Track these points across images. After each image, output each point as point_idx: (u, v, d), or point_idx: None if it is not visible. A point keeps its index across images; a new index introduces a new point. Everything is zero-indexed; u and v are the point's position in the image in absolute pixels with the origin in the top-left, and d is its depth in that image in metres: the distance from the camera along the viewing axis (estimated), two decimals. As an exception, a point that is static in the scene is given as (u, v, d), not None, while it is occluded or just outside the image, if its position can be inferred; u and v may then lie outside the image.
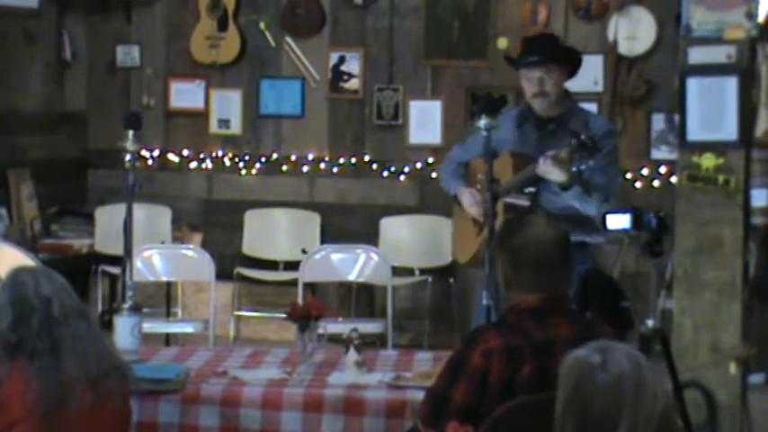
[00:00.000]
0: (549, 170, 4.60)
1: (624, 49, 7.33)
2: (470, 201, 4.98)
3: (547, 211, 4.77)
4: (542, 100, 4.85)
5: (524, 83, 4.91)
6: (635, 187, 7.34)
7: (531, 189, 4.77)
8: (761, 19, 5.10)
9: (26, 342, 3.24)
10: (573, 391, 2.50)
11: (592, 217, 4.85)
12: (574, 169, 4.55)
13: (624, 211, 4.10)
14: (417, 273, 7.46)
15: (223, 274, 6.88)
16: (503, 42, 7.45)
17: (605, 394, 2.47)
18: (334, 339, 4.88)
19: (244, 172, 8.11)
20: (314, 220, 7.89)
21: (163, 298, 7.13)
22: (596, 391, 2.48)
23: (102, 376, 3.26)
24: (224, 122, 8.16)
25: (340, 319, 6.90)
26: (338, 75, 7.94)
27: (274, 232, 7.93)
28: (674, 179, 6.33)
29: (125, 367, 3.43)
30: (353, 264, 6.20)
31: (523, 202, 4.75)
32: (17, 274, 3.35)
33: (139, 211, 6.48)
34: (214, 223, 8.11)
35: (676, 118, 5.20)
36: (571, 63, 4.93)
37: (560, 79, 4.88)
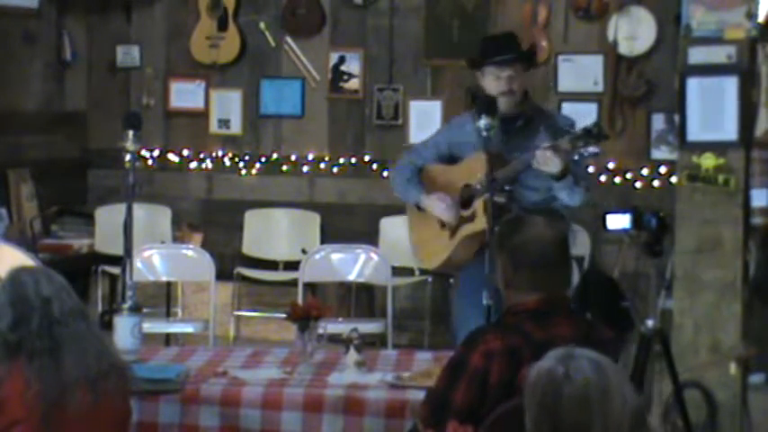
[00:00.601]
0: (548, 159, 4.56)
1: (624, 49, 7.32)
2: (442, 207, 4.91)
3: (520, 206, 4.74)
4: (509, 98, 4.86)
5: (490, 82, 4.90)
6: (635, 187, 7.34)
7: (508, 187, 4.77)
8: (761, 19, 5.10)
9: (26, 342, 3.24)
10: (540, 406, 2.48)
11: (558, 210, 4.85)
12: (576, 157, 4.55)
13: (624, 211, 4.11)
14: (417, 273, 7.45)
15: (223, 274, 6.88)
16: (503, 42, 7.44)
17: (572, 406, 2.45)
18: (334, 339, 4.88)
19: (244, 172, 8.11)
20: (314, 220, 7.89)
21: (163, 298, 7.13)
22: (563, 403, 2.45)
23: (102, 376, 3.26)
24: (224, 122, 8.16)
25: (340, 319, 6.91)
26: (338, 75, 7.94)
27: (274, 232, 7.93)
28: (674, 179, 6.32)
29: (125, 367, 3.42)
30: (353, 264, 6.20)
31: (501, 199, 4.74)
32: (17, 274, 3.34)
33: (139, 211, 6.48)
34: (214, 223, 8.10)
35: (676, 118, 5.20)
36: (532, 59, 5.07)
37: (524, 78, 4.93)
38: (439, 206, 4.93)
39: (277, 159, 8.06)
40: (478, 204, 4.77)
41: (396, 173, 5.20)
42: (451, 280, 7.36)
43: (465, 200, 4.92)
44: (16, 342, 3.25)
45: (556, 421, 2.45)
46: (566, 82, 7.53)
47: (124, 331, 4.16)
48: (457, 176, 4.95)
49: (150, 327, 5.89)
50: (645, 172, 7.35)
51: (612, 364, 2.53)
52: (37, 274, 3.35)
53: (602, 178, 7.41)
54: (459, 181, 4.94)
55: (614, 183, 7.38)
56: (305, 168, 8.01)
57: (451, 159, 5.04)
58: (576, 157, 4.57)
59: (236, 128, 8.15)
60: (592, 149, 4.53)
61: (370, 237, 7.37)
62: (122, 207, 4.43)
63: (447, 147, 5.04)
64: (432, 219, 5.02)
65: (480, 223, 4.69)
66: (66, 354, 3.23)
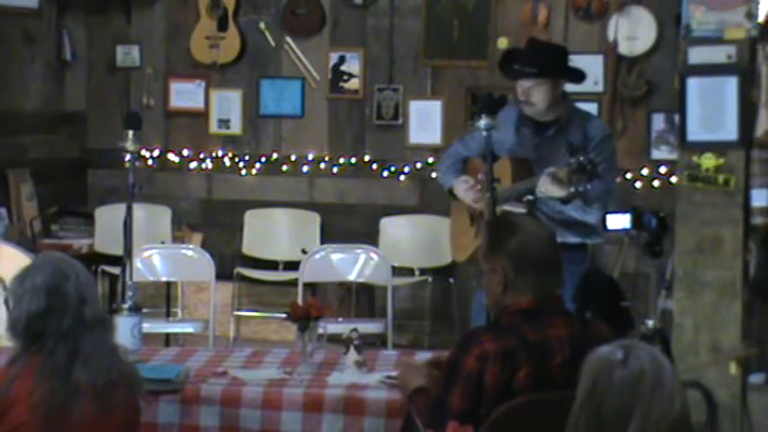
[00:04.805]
0: (550, 189, 4.57)
1: (624, 49, 7.33)
2: (465, 187, 4.95)
3: (546, 215, 4.76)
4: (529, 108, 4.86)
5: (516, 87, 4.90)
6: (635, 187, 7.34)
7: (530, 197, 4.75)
8: (761, 19, 5.10)
9: (49, 338, 3.19)
10: (591, 385, 2.50)
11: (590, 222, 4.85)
12: (572, 190, 4.52)
13: (624, 211, 4.11)
14: (417, 273, 7.46)
15: (223, 274, 6.88)
16: (503, 42, 7.45)
17: (621, 389, 2.46)
18: (334, 339, 4.88)
19: (244, 172, 8.12)
20: (314, 220, 7.89)
21: (163, 298, 7.13)
22: (613, 385, 2.47)
23: (110, 389, 3.22)
24: (224, 122, 8.16)
25: (340, 319, 6.90)
26: (338, 75, 7.94)
27: (274, 232, 7.93)
28: (674, 179, 6.32)
29: (135, 381, 3.37)
30: (353, 264, 6.21)
31: (521, 209, 4.74)
32: (61, 264, 3.26)
33: (139, 211, 6.49)
34: (214, 223, 8.11)
35: (676, 118, 5.20)
36: (568, 77, 4.91)
37: (550, 91, 4.84)
38: (463, 186, 4.96)
39: (277, 159, 8.06)
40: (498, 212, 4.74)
41: (441, 162, 5.29)
42: (451, 280, 7.37)
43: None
44: (38, 332, 3.20)
45: (601, 401, 2.46)
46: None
47: (124, 331, 4.15)
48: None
49: (150, 327, 5.89)
50: (645, 172, 7.35)
51: (671, 365, 2.53)
52: (79, 273, 3.26)
53: (603, 178, 7.42)
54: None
55: (614, 183, 7.38)
56: (305, 168, 8.01)
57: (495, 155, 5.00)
58: (573, 190, 4.51)
59: (236, 128, 8.15)
60: (585, 186, 4.45)
61: (370, 237, 7.37)
62: (122, 207, 4.43)
63: (493, 141, 4.99)
64: (463, 212, 5.06)
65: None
66: (81, 361, 3.19)
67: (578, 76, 4.96)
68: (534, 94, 4.82)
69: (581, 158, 4.46)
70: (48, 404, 3.14)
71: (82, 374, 3.17)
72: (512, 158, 4.82)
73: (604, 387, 2.47)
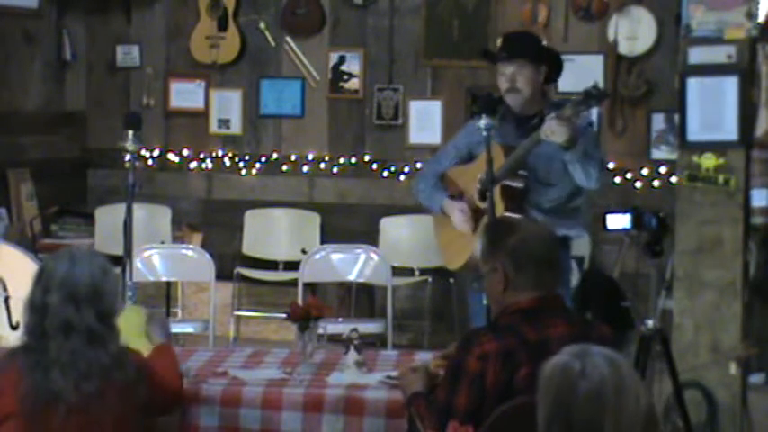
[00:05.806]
0: (556, 130, 4.50)
1: (624, 49, 7.33)
2: (461, 218, 4.88)
3: (536, 203, 4.72)
4: (514, 96, 4.83)
5: (499, 78, 4.89)
6: (635, 187, 7.34)
7: (524, 172, 4.74)
8: (761, 19, 5.10)
9: (37, 336, 3.21)
10: (554, 401, 2.47)
11: (578, 209, 4.82)
12: (579, 122, 4.50)
13: (624, 211, 4.11)
14: (417, 273, 7.46)
15: (223, 274, 6.88)
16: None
17: (587, 402, 2.44)
18: (334, 339, 4.88)
19: (244, 172, 8.12)
20: (314, 220, 7.89)
21: (163, 298, 7.13)
22: (577, 400, 2.45)
23: (96, 402, 3.22)
24: (224, 122, 8.16)
25: (340, 319, 6.90)
26: (338, 75, 7.94)
27: (274, 232, 7.93)
28: (674, 179, 6.33)
29: (130, 393, 3.36)
30: (353, 264, 6.21)
31: (518, 183, 4.73)
32: (53, 270, 3.28)
33: (139, 211, 6.49)
34: (214, 223, 8.11)
35: (676, 118, 5.20)
36: (547, 63, 4.91)
37: (534, 77, 4.82)
38: (459, 217, 4.89)
39: (277, 159, 8.07)
40: (495, 192, 4.73)
41: (418, 181, 5.18)
42: (451, 280, 7.37)
43: (483, 193, 4.89)
44: (31, 328, 3.22)
45: (569, 417, 2.44)
46: (566, 82, 7.47)
47: (124, 331, 4.15)
48: (476, 171, 4.90)
49: (150, 327, 5.88)
50: (645, 172, 7.35)
51: (627, 362, 2.52)
52: (66, 283, 3.27)
53: (602, 178, 7.42)
54: (478, 175, 4.90)
55: (614, 183, 7.38)
56: (305, 168, 8.01)
57: (471, 159, 5.01)
58: (579, 121, 4.51)
59: (236, 128, 8.15)
60: (591, 110, 4.45)
61: (370, 237, 7.37)
62: (122, 207, 4.43)
63: (467, 148, 4.98)
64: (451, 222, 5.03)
65: (499, 210, 4.66)
66: (60, 366, 3.19)
67: (555, 57, 4.95)
68: (519, 80, 4.80)
69: (584, 88, 4.47)
70: (32, 399, 3.16)
71: (59, 380, 3.18)
72: (502, 144, 4.78)
73: (568, 402, 2.45)
